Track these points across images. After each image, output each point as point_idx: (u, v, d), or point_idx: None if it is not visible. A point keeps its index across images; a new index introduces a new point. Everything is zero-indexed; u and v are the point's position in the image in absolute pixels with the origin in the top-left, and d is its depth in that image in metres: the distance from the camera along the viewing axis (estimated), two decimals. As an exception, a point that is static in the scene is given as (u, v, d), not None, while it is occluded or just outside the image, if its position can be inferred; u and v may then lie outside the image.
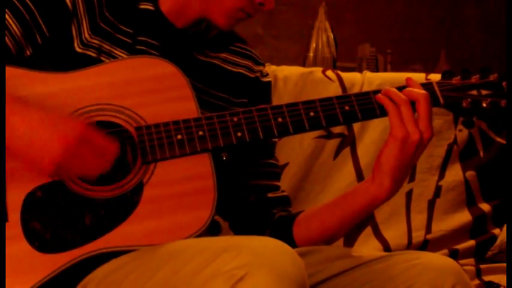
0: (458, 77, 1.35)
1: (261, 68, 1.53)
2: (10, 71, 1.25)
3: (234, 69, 1.48)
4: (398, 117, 1.28)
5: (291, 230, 1.43)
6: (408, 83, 1.34)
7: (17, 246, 1.19)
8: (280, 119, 1.30)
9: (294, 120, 1.30)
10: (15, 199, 1.21)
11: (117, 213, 1.22)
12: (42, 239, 1.20)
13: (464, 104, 1.33)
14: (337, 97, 1.32)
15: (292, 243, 1.41)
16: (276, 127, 1.30)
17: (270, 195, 1.48)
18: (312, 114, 1.30)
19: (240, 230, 1.49)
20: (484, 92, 1.33)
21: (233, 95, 1.47)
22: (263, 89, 1.53)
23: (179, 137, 1.27)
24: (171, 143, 1.26)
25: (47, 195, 1.23)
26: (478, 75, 1.35)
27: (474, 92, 1.33)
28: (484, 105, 1.33)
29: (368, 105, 1.32)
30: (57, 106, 1.26)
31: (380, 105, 1.31)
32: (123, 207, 1.23)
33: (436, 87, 1.34)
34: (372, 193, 1.34)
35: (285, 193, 1.51)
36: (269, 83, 1.55)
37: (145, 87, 1.30)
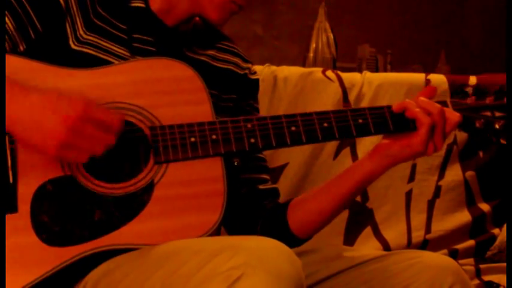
0: (473, 97, 1.37)
1: (249, 65, 1.54)
2: (25, 63, 1.26)
3: (222, 66, 1.49)
4: (428, 134, 1.30)
5: (285, 216, 1.43)
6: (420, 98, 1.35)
7: (25, 237, 1.19)
8: (293, 128, 1.31)
9: (308, 129, 1.31)
10: (26, 191, 1.22)
11: (126, 211, 1.22)
12: (50, 232, 1.20)
13: (477, 124, 1.35)
14: (352, 110, 1.34)
15: (287, 230, 1.42)
16: (289, 136, 1.31)
17: (260, 187, 1.49)
18: (325, 125, 1.32)
19: (232, 223, 1.49)
20: (497, 114, 1.35)
21: (222, 91, 1.47)
22: (251, 86, 1.54)
23: (192, 139, 1.27)
24: (184, 145, 1.27)
25: (58, 189, 1.23)
26: (492, 97, 1.36)
27: (488, 113, 1.35)
28: (497, 126, 1.35)
29: (381, 119, 1.33)
30: None
31: (394, 120, 1.33)
32: (133, 205, 1.23)
33: (450, 106, 1.35)
34: (370, 169, 1.37)
35: (274, 185, 1.52)
36: (257, 81, 1.56)
37: (162, 89, 1.30)
